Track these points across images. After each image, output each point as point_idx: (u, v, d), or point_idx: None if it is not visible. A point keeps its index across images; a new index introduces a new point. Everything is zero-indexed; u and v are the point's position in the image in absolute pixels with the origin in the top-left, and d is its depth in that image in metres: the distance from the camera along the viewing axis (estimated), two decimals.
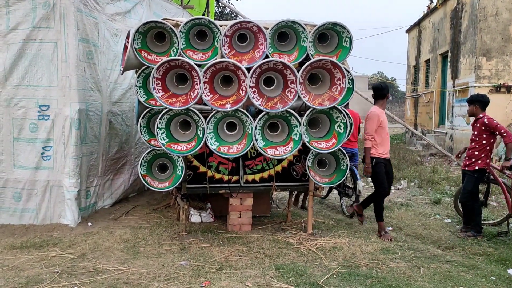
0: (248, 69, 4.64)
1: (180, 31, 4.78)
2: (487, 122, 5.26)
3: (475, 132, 5.41)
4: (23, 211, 5.58)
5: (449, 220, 6.28)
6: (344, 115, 4.91)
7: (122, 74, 5.50)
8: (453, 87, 13.31)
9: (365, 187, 8.24)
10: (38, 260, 4.41)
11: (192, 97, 4.59)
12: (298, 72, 4.65)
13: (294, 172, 5.50)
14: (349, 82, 4.92)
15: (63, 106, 5.54)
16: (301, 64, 4.87)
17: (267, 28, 4.83)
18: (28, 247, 4.79)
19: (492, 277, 4.17)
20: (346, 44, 5.00)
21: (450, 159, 11.64)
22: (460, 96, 12.66)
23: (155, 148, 5.02)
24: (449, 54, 13.92)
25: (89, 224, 5.66)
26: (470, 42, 12.13)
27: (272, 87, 4.87)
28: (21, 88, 5.51)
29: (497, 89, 11.38)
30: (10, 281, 3.90)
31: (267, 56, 4.85)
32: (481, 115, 5.37)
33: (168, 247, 4.83)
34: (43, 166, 5.57)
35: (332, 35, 5.06)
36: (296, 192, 6.55)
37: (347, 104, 5.52)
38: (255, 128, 4.75)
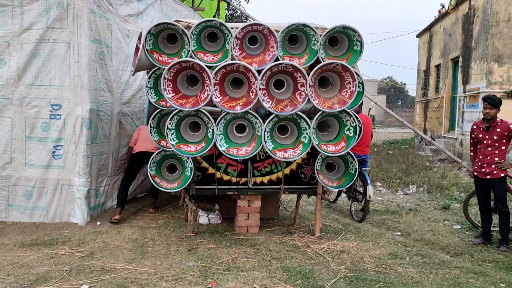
0: (259, 72, 4.65)
1: (192, 33, 4.81)
2: None
3: (495, 137, 5.16)
4: (34, 209, 5.63)
5: (458, 226, 6.23)
6: (353, 119, 4.90)
7: (133, 75, 5.54)
8: (464, 92, 13.21)
9: (374, 191, 8.19)
10: (48, 258, 4.46)
11: (202, 98, 4.61)
12: (308, 75, 4.66)
13: (303, 175, 5.50)
14: (359, 86, 4.91)
15: (75, 106, 5.59)
16: (311, 67, 4.87)
17: (278, 31, 4.84)
18: (38, 245, 4.84)
19: (501, 284, 4.13)
20: (357, 47, 4.99)
21: (460, 165, 11.53)
22: (471, 101, 12.56)
23: (165, 148, 5.05)
24: (460, 59, 13.82)
25: (98, 223, 5.70)
26: (482, 47, 12.04)
27: (282, 90, 4.87)
28: (34, 87, 5.57)
29: (509, 95, 11.26)
30: (20, 278, 3.95)
31: (277, 59, 4.86)
32: (499, 120, 5.17)
33: (176, 248, 4.85)
34: (54, 165, 5.63)
35: (343, 39, 5.05)
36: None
37: (360, 108, 5.50)
38: (265, 131, 4.76)
